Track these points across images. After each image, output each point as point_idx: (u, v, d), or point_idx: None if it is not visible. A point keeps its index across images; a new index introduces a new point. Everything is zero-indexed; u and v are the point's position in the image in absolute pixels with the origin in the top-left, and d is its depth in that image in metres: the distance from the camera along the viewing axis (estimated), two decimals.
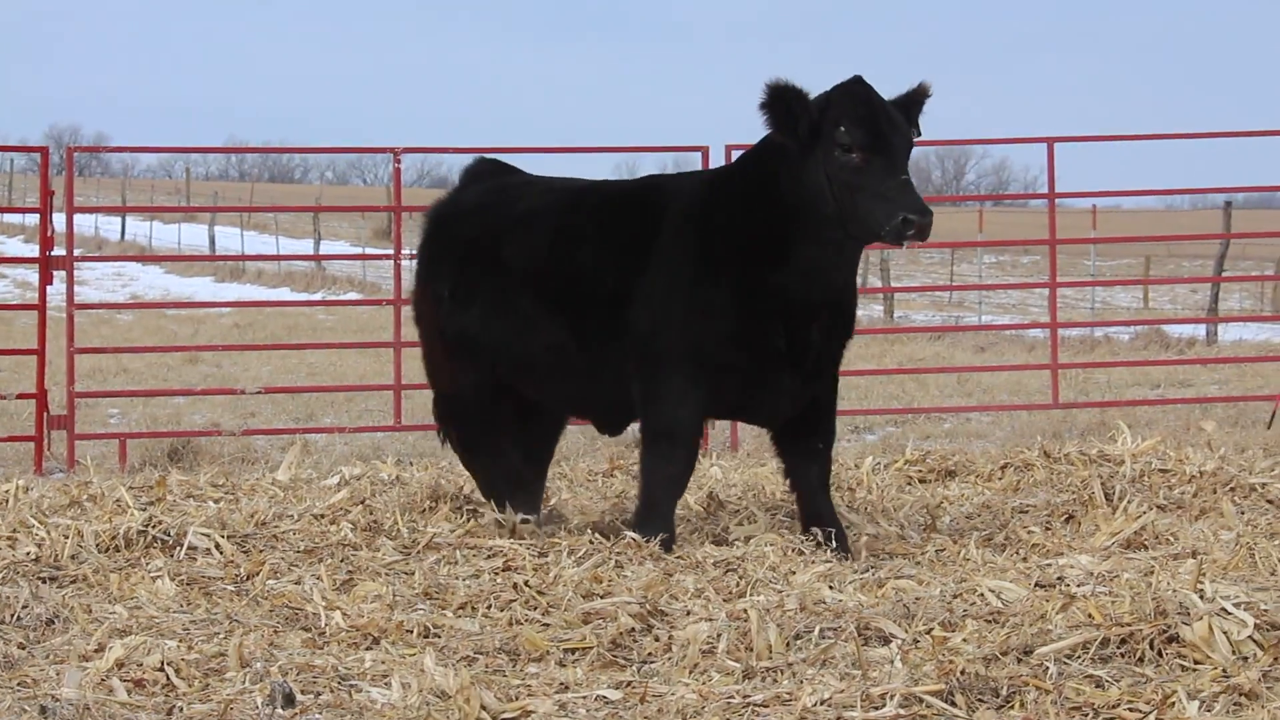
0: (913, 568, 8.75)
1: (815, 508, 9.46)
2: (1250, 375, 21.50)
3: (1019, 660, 6.61)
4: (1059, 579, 8.04)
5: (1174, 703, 6.00)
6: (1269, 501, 10.37)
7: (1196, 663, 6.46)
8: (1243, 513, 9.87)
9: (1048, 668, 6.45)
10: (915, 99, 9.31)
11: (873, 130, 9.01)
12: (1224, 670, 6.31)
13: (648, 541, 9.05)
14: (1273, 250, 39.21)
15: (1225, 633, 6.59)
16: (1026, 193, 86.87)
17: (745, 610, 7.37)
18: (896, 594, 7.93)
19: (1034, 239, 17.94)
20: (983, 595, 7.73)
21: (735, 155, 13.53)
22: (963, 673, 6.39)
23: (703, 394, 9.35)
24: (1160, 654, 6.57)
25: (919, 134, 9.28)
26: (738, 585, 8.31)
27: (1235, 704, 6.04)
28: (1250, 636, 6.59)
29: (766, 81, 9.13)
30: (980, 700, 6.20)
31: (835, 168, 9.00)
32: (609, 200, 9.85)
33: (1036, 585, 7.96)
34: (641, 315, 9.35)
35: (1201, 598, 6.95)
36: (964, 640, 6.95)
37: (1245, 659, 6.45)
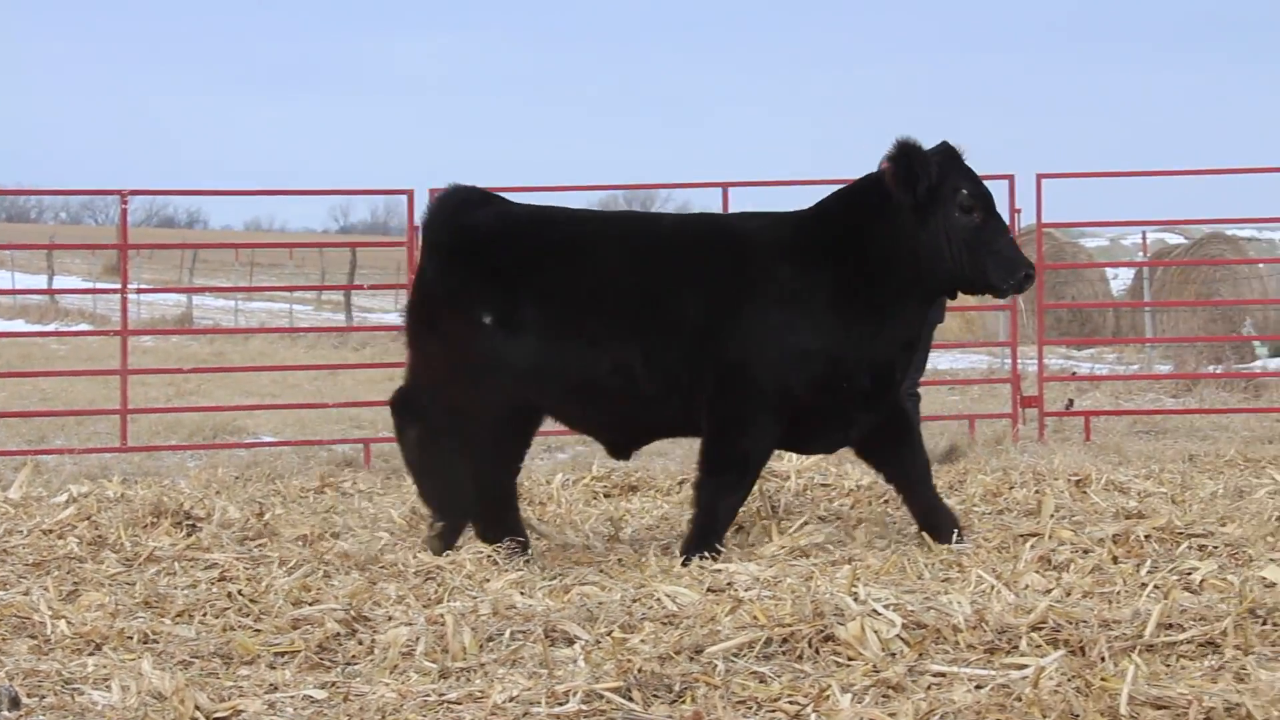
0: (596, 575, 8.72)
1: (925, 500, 9.39)
2: None
3: (691, 659, 6.61)
4: (728, 584, 8.07)
5: (829, 696, 6.04)
6: None
7: (850, 659, 6.52)
8: (894, 523, 10.01)
9: (717, 665, 6.46)
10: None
11: (985, 194, 9.09)
12: (874, 665, 6.37)
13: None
14: None
15: (876, 631, 6.66)
16: None
17: (442, 615, 7.28)
18: (581, 599, 7.89)
19: None
20: (659, 599, 7.72)
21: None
22: (640, 670, 6.37)
23: (779, 431, 9.13)
24: (818, 652, 6.62)
25: None
26: (436, 592, 8.22)
27: (884, 696, 6.09)
28: (898, 635, 6.68)
29: (897, 139, 9.00)
30: (655, 696, 6.19)
31: (956, 228, 8.96)
32: (684, 233, 9.38)
33: (708, 590, 7.98)
34: (730, 349, 8.98)
35: (855, 600, 7.03)
36: (641, 641, 6.94)
37: (893, 655, 6.52)
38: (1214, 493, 11.12)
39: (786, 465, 11.56)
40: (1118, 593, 7.67)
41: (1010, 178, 16.00)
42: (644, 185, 20.75)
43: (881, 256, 8.99)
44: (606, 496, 11.61)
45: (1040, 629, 6.77)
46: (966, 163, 9.08)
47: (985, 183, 9.17)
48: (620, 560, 9.17)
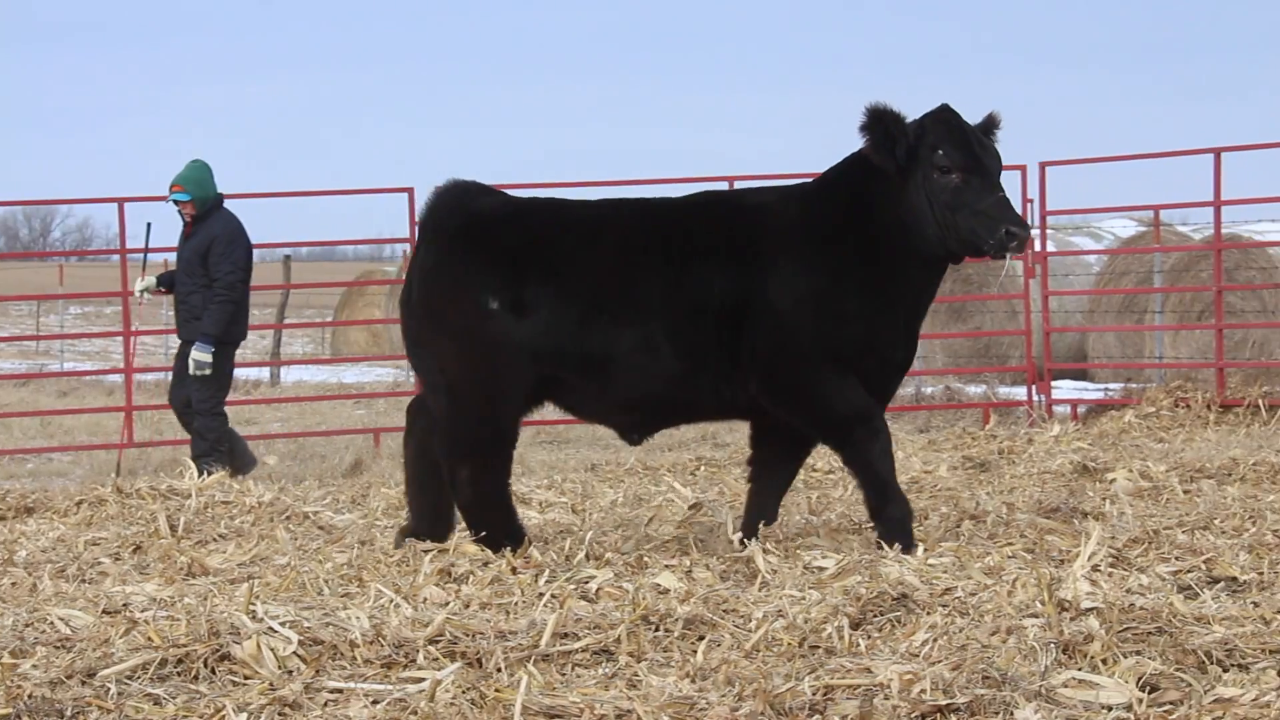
0: None
1: (766, 509, 9.34)
2: (310, 413, 21.84)
3: (83, 683, 6.38)
4: (124, 605, 7.85)
5: (224, 715, 5.93)
6: (320, 528, 10.48)
7: (246, 678, 6.40)
8: (296, 539, 9.93)
9: (109, 688, 6.26)
10: (988, 127, 9.07)
11: (968, 152, 8.81)
12: (270, 683, 6.27)
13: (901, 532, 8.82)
14: (330, 299, 40.06)
15: (272, 649, 6.56)
16: (107, 248, 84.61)
17: None
18: None
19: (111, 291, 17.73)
20: (52, 623, 7.45)
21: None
22: (30, 696, 6.13)
23: (853, 379, 8.90)
24: (214, 671, 6.48)
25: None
26: None
27: (280, 714, 6.00)
28: (295, 652, 6.59)
29: (867, 105, 8.82)
30: None
31: (936, 189, 8.78)
32: (690, 212, 9.21)
33: (104, 612, 7.74)
34: (766, 324, 8.83)
35: (252, 618, 6.91)
36: (33, 666, 6.67)
37: (290, 672, 6.44)
38: (614, 501, 11.41)
39: (188, 484, 11.37)
40: (516, 603, 7.75)
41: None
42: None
43: (879, 224, 8.93)
44: (1, 519, 11.20)
45: (438, 641, 6.78)
46: (961, 125, 8.93)
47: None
48: (14, 584, 8.81)
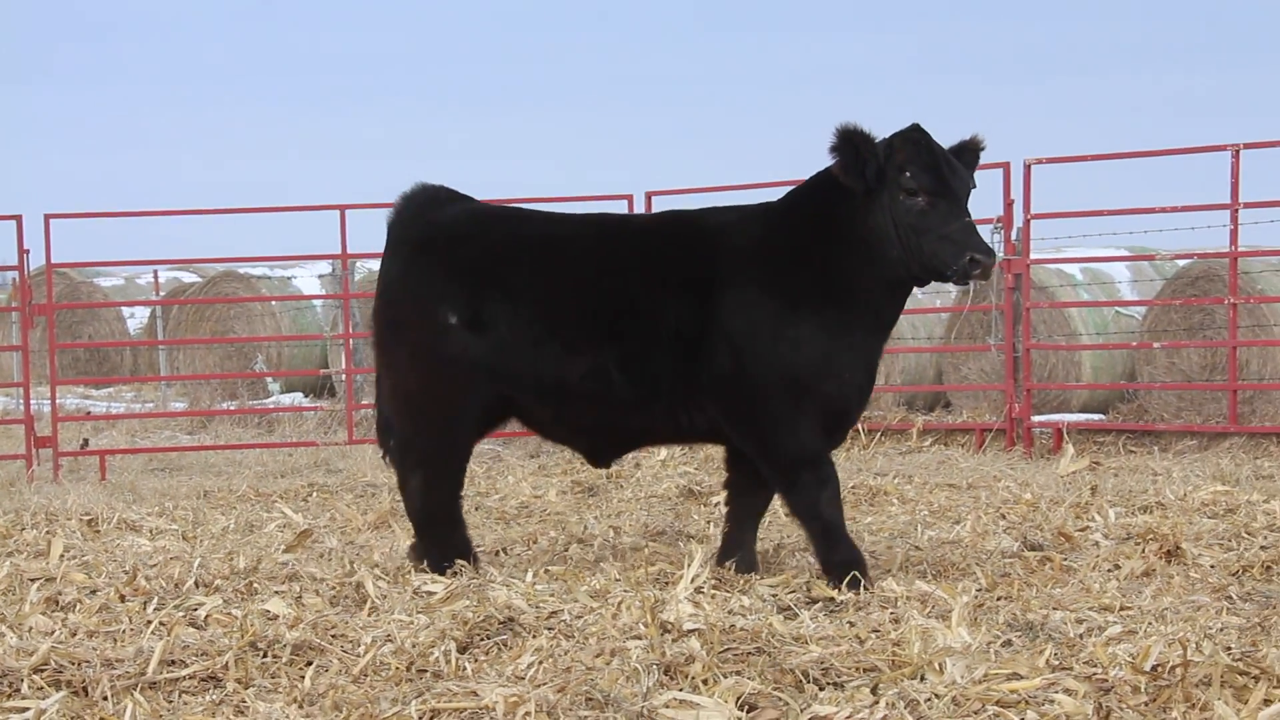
0: None
1: (744, 535, 9.01)
2: None
3: None
4: None
5: None
6: None
7: None
8: None
9: None
10: (968, 149, 8.68)
11: (936, 175, 8.42)
12: None
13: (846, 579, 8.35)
14: None
15: None
16: None
17: None
18: None
19: None
20: None
21: None
22: None
23: (810, 415, 8.55)
24: None
25: (974, 184, 8.63)
26: None
27: None
28: None
29: (837, 126, 8.43)
30: None
31: (901, 211, 8.42)
32: (650, 232, 9.01)
33: None
34: (720, 350, 8.50)
35: None
36: None
37: None
38: (225, 528, 11.25)
39: None
40: (123, 631, 7.59)
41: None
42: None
43: (842, 245, 8.62)
44: None
45: (43, 671, 6.62)
46: (931, 146, 8.56)
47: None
48: None
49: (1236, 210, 15.57)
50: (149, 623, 7.73)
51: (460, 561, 8.94)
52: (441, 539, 9.07)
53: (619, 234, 9.09)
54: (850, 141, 8.52)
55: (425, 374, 8.97)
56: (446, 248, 9.00)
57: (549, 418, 8.99)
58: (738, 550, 9.00)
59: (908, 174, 8.48)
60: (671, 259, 8.80)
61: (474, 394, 8.90)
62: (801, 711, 6.03)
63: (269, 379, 23.21)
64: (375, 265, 23.21)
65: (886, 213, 8.53)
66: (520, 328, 8.79)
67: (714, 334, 8.60)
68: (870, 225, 8.56)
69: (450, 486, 9.11)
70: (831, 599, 8.10)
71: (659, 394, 8.72)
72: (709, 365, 8.62)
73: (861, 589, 8.30)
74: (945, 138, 8.64)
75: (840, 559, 8.54)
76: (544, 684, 6.35)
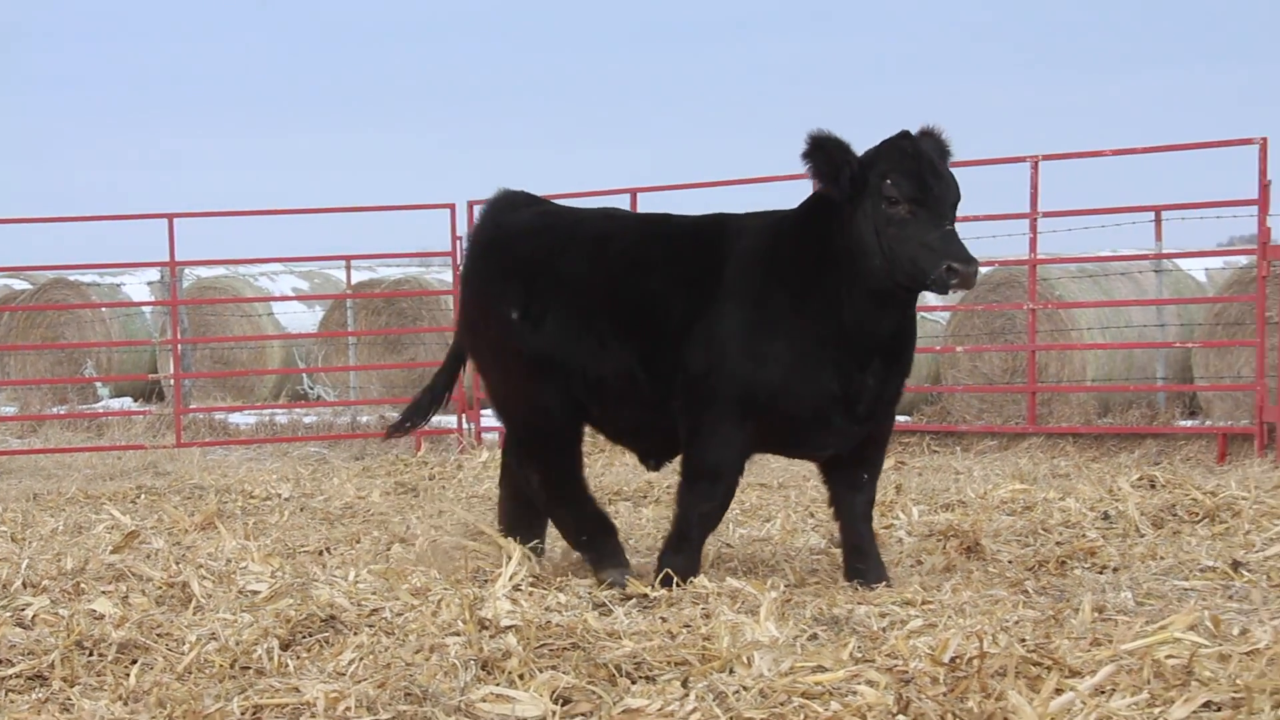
0: None
1: (856, 537, 8.69)
2: None
3: None
4: None
5: None
6: None
7: None
8: None
9: None
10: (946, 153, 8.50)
11: (919, 183, 8.15)
12: None
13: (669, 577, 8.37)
14: None
15: None
16: None
17: None
18: None
19: None
20: None
21: None
22: None
23: (748, 438, 8.49)
24: None
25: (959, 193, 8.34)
26: None
27: None
28: None
29: (809, 132, 8.20)
30: None
31: (883, 220, 8.16)
32: (680, 233, 8.83)
33: None
34: (696, 353, 8.43)
35: None
36: None
37: None
38: (54, 529, 11.14)
39: None
40: None
41: None
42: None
43: (828, 255, 8.38)
44: None
45: None
46: (915, 153, 8.24)
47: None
48: None
49: (1035, 219, 15.97)
50: None
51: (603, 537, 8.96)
52: (576, 518, 9.03)
53: (656, 234, 8.97)
54: (821, 148, 8.33)
55: (502, 369, 9.16)
56: (508, 247, 9.13)
57: (597, 415, 9.02)
58: (863, 560, 8.71)
59: (889, 181, 8.24)
60: (689, 262, 8.69)
61: (548, 384, 8.89)
62: (614, 704, 6.11)
63: (99, 384, 22.95)
64: (203, 272, 23.27)
65: (869, 221, 8.29)
66: (564, 322, 8.84)
67: (699, 336, 8.51)
68: (853, 234, 8.32)
69: (566, 470, 9.07)
70: (645, 595, 8.19)
71: (672, 394, 8.63)
72: (688, 365, 8.52)
73: (674, 586, 8.36)
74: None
75: (677, 565, 8.53)
76: (364, 680, 6.39)
